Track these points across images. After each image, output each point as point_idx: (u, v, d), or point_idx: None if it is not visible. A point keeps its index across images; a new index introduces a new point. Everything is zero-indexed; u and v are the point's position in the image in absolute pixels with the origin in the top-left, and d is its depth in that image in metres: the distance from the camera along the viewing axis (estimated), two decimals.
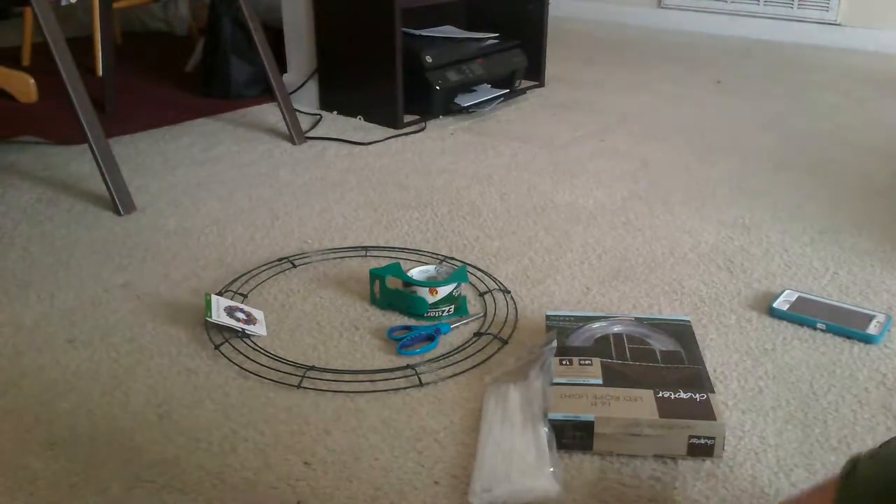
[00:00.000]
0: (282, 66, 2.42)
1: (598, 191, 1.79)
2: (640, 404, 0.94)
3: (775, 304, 1.26)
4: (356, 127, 2.27)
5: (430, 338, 1.18)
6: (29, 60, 2.95)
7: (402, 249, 1.49)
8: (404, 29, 2.24)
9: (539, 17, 2.67)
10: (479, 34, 2.56)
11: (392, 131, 2.22)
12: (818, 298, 1.29)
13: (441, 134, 2.21)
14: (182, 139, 2.16)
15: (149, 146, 2.10)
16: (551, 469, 0.88)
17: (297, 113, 2.22)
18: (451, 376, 1.10)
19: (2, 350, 1.17)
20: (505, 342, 1.18)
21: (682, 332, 1.11)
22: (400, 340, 1.17)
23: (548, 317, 1.16)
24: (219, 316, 1.19)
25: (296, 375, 1.10)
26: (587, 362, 1.03)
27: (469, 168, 1.94)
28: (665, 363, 1.03)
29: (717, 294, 1.33)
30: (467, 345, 1.18)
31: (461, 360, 1.14)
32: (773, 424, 1.00)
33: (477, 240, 1.54)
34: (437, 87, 2.27)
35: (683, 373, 1.01)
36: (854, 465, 0.57)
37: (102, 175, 1.66)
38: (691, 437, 0.92)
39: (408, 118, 2.28)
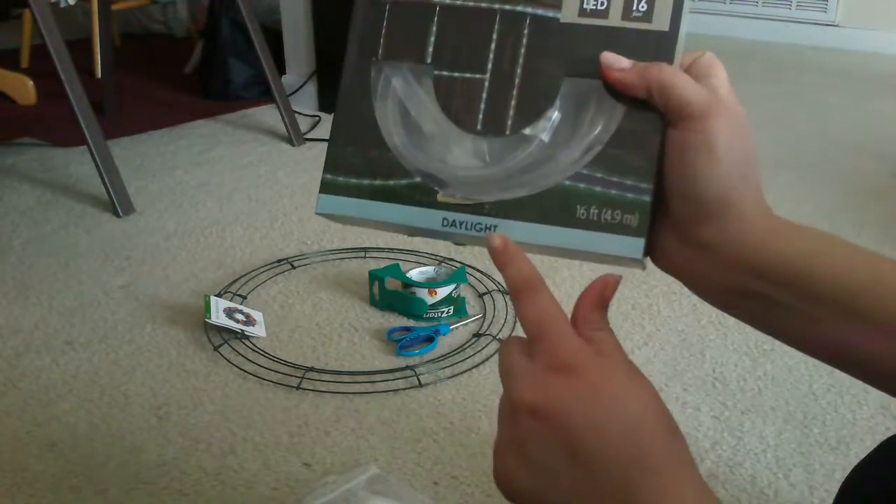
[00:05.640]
0: (280, 68, 2.42)
1: None
2: None
3: None
4: None
5: (430, 339, 1.18)
6: (28, 62, 2.95)
7: (401, 251, 1.49)
8: None
9: None
10: None
11: None
12: None
13: None
14: (181, 141, 2.16)
15: (148, 148, 2.10)
16: None
17: (296, 114, 2.22)
18: (450, 377, 1.10)
19: (1, 352, 1.17)
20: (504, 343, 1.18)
21: None
22: (399, 341, 1.17)
23: None
24: (218, 317, 1.19)
25: (295, 376, 1.10)
26: None
27: None
28: None
29: None
30: (466, 346, 1.18)
31: (460, 361, 1.14)
32: (772, 424, 1.00)
33: None
34: None
35: None
36: None
37: (101, 177, 1.66)
38: None
39: None
